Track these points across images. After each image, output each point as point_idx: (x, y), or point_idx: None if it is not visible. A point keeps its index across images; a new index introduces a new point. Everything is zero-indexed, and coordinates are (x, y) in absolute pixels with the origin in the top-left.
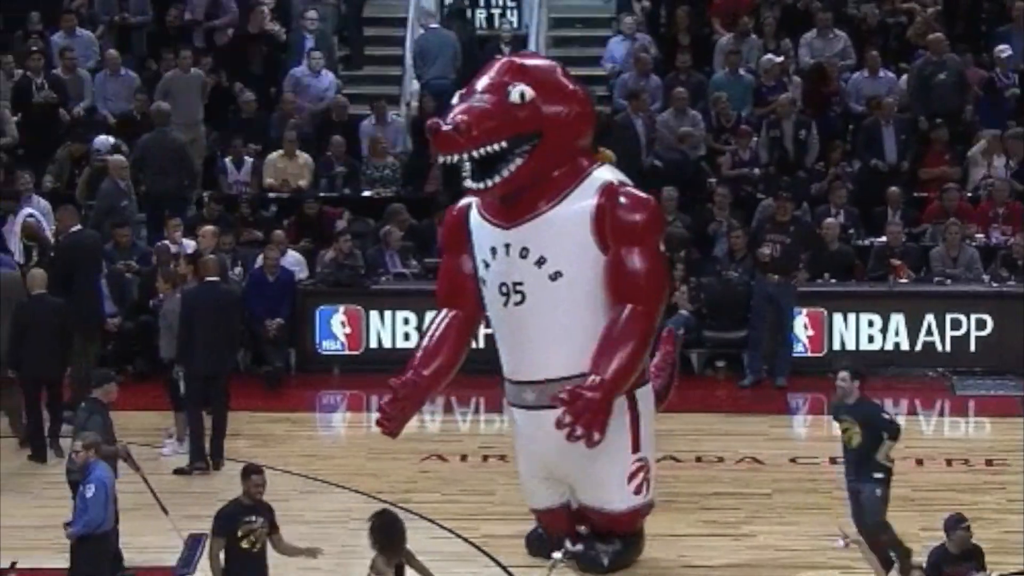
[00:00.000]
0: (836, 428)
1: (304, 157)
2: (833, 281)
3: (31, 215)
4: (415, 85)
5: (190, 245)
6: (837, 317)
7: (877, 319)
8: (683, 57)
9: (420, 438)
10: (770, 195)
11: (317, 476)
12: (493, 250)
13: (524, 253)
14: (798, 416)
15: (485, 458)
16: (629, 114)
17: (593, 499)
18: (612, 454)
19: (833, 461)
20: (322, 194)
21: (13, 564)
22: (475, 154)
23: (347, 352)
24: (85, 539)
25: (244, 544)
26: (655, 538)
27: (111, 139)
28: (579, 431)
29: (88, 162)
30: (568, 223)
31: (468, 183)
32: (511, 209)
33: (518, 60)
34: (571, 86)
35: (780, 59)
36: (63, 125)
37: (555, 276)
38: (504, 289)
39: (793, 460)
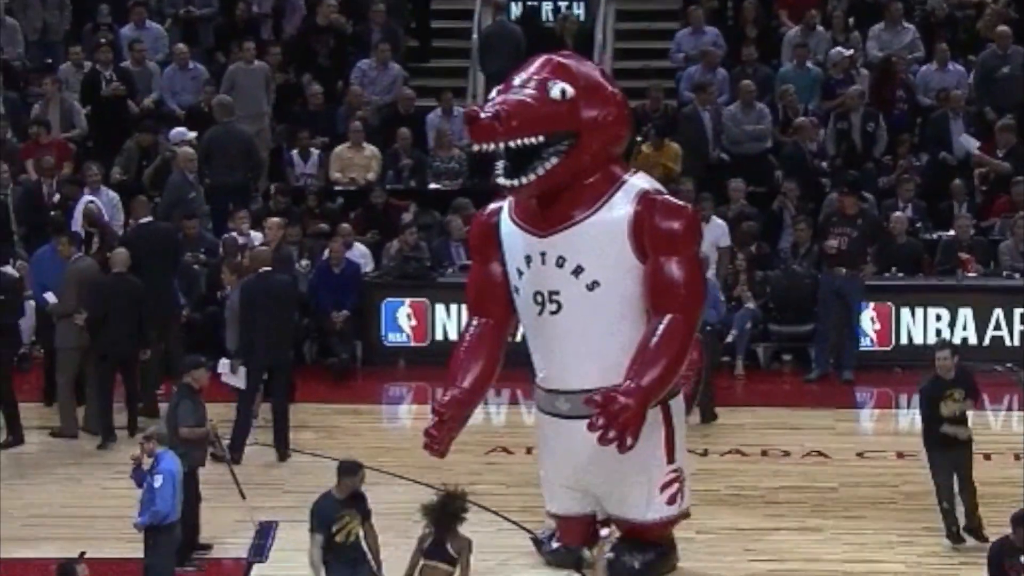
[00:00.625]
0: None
1: (371, 149)
2: (900, 275)
3: (92, 202)
4: (482, 77)
5: (257, 237)
6: (904, 311)
7: (945, 313)
8: (750, 50)
9: (486, 431)
10: (837, 189)
11: (382, 468)
12: (528, 258)
13: (560, 262)
14: (865, 410)
15: None
16: (696, 107)
17: (625, 510)
18: (647, 465)
19: (900, 456)
20: (388, 186)
21: (82, 554)
22: (512, 144)
23: (413, 344)
24: (153, 529)
25: (338, 538)
26: (720, 532)
27: (188, 132)
28: (611, 434)
29: (157, 154)
30: (605, 232)
31: (500, 180)
32: (546, 217)
33: (559, 58)
34: (611, 88)
35: (849, 52)
36: (131, 118)
37: (592, 286)
38: (539, 298)
39: (860, 455)
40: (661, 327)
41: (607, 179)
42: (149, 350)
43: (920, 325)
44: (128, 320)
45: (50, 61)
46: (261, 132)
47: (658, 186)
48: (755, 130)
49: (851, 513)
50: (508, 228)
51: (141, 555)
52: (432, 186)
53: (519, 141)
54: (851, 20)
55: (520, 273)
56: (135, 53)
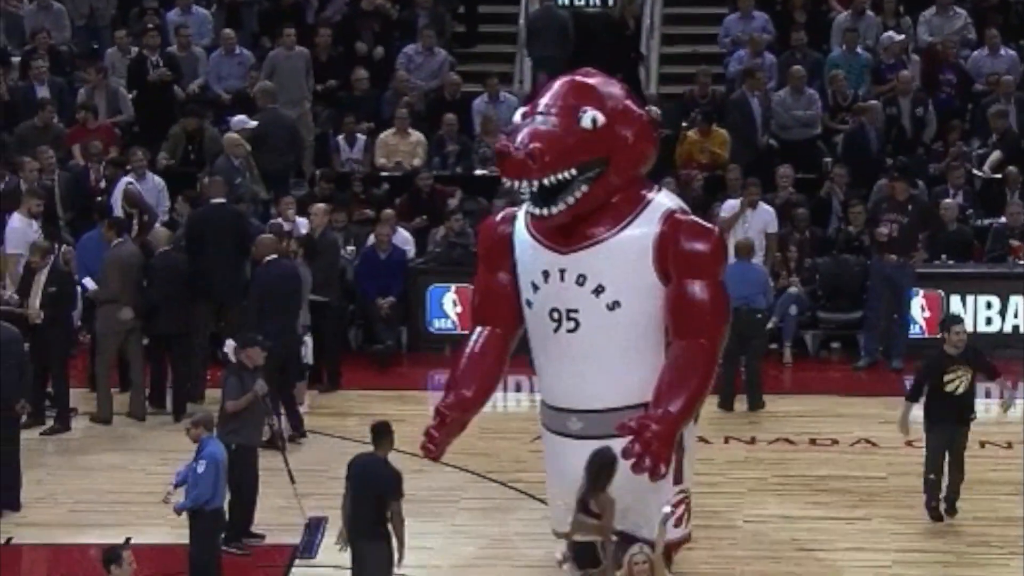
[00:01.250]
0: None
1: (416, 135)
2: (951, 262)
3: (131, 183)
4: (528, 63)
5: (302, 223)
6: (955, 299)
7: (995, 301)
8: (799, 35)
9: (531, 418)
10: (888, 174)
11: None
12: (546, 274)
13: (581, 280)
14: None
15: None
16: (745, 93)
17: (639, 529)
18: (656, 486)
19: None
20: (434, 172)
21: (127, 540)
22: (545, 182)
23: (458, 331)
24: (196, 514)
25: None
26: (767, 520)
27: (248, 120)
28: (647, 462)
29: (202, 139)
30: (629, 252)
31: (531, 209)
32: (568, 233)
33: (585, 80)
34: (637, 111)
35: (901, 37)
36: (177, 103)
37: (613, 306)
38: (556, 315)
39: (909, 443)
40: (688, 352)
41: (632, 198)
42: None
43: (970, 312)
44: (176, 298)
45: (96, 46)
46: (303, 117)
47: (683, 205)
48: (804, 116)
49: (900, 502)
50: (524, 239)
51: (186, 541)
52: (478, 172)
53: (551, 178)
54: (901, 6)
55: (535, 287)
56: (181, 38)
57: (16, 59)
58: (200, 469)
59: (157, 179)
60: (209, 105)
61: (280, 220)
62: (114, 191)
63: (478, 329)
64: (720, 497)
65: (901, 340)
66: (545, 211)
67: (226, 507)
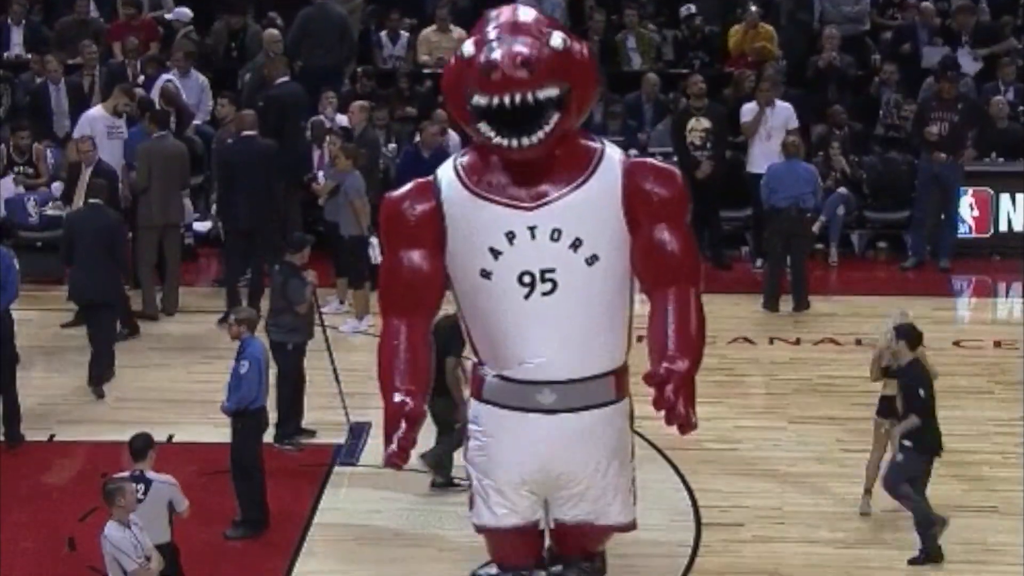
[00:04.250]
0: (1001, 311)
1: (458, 32)
2: (1000, 160)
3: (169, 80)
4: None
5: (343, 120)
6: (1004, 197)
7: None
8: None
9: None
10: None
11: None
12: (511, 235)
13: (556, 235)
14: (962, 298)
15: None
16: None
17: (597, 513)
18: (623, 461)
19: (997, 345)
20: None
21: (170, 438)
22: (539, 96)
23: None
24: (240, 414)
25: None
26: (812, 421)
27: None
28: (681, 411)
29: (246, 35)
30: (601, 200)
31: (499, 141)
32: (530, 188)
33: (532, 9)
34: (583, 42)
35: None
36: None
37: (591, 260)
38: (527, 278)
39: (956, 343)
40: (679, 299)
41: (584, 148)
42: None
43: (1020, 212)
44: (256, 185)
45: None
46: (353, 13)
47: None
48: (853, 11)
49: (947, 403)
50: (467, 204)
51: (228, 440)
52: None
53: (541, 94)
54: None
55: (496, 253)
56: None
57: None
58: (243, 370)
59: (201, 77)
60: (251, 1)
61: (322, 117)
62: (152, 88)
63: (397, 324)
64: (765, 398)
65: (949, 239)
66: (524, 140)
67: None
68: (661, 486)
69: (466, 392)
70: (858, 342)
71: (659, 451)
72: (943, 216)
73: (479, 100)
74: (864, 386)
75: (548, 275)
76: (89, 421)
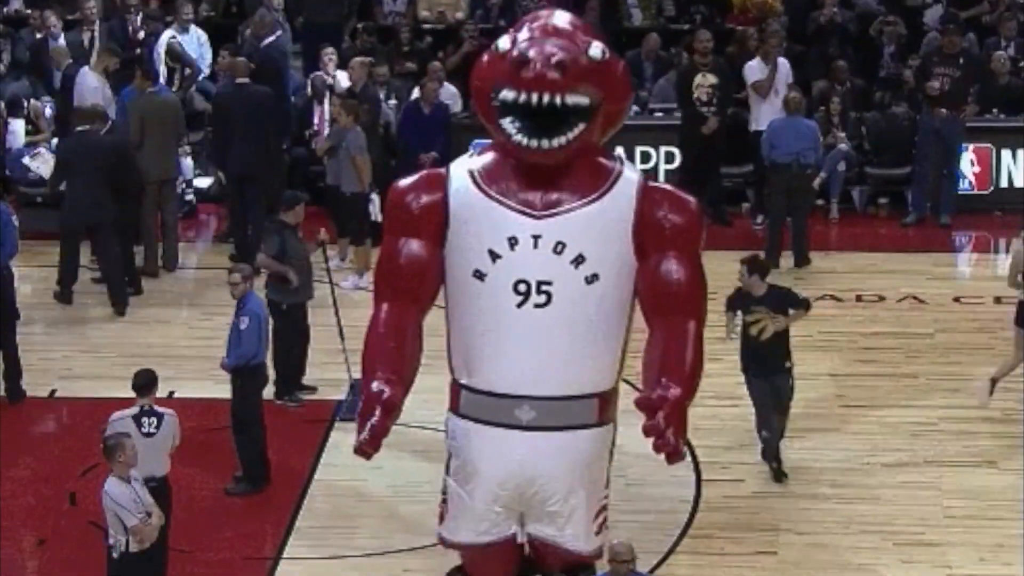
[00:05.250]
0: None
1: None
2: (1002, 116)
3: (173, 37)
4: None
5: (342, 76)
6: (1005, 153)
7: None
8: None
9: None
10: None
11: None
12: (513, 240)
13: (559, 248)
14: (962, 254)
15: None
16: None
17: (562, 535)
18: (595, 486)
19: (998, 300)
20: (479, 25)
21: (171, 394)
22: (567, 100)
23: None
24: (240, 370)
25: None
26: (813, 377)
27: None
28: (671, 440)
29: None
30: (611, 221)
31: (520, 139)
32: (542, 196)
33: (570, 15)
34: (619, 57)
35: None
36: None
37: (592, 279)
38: (522, 287)
39: (956, 299)
40: (680, 331)
41: (606, 166)
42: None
43: (1021, 168)
44: (252, 133)
45: None
46: None
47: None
48: None
49: (947, 359)
50: (475, 201)
51: (229, 396)
52: None
53: (571, 99)
54: None
55: (495, 256)
56: None
57: None
58: (243, 326)
59: (200, 32)
60: None
61: (322, 73)
62: (156, 45)
63: (388, 309)
64: None
65: (950, 195)
66: (545, 143)
67: (269, 362)
68: None
69: None
70: (858, 298)
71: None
72: (944, 172)
73: (507, 94)
74: (865, 341)
75: (544, 287)
76: (90, 377)
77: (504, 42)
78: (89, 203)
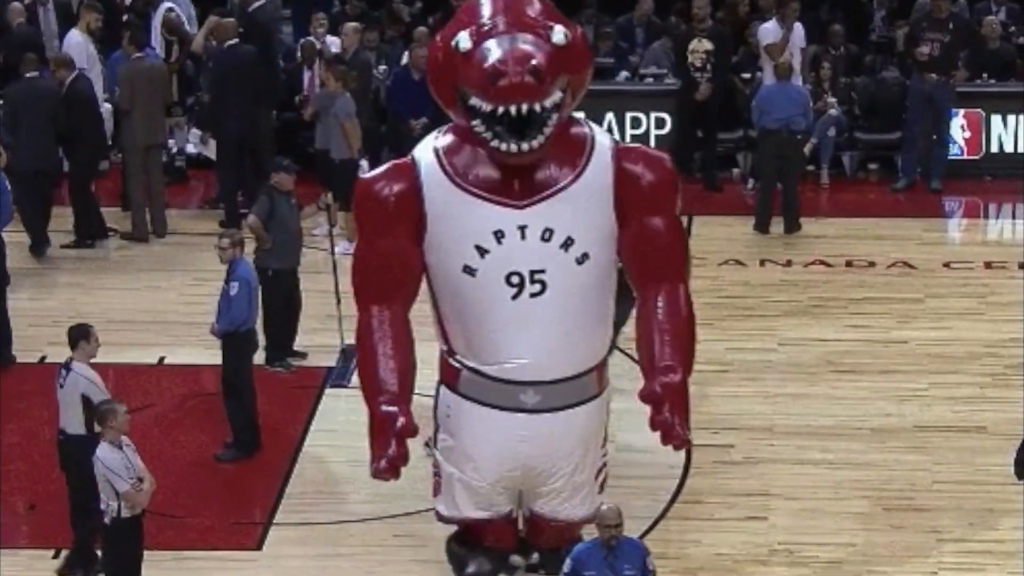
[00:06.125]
0: (991, 232)
1: None
2: (992, 81)
3: (170, 9)
4: None
5: (333, 42)
6: (995, 118)
7: None
8: None
9: None
10: None
11: None
12: (499, 234)
13: (547, 235)
14: (952, 220)
15: None
16: None
17: (563, 508)
18: (596, 450)
19: (988, 266)
20: None
21: (161, 359)
22: (545, 104)
23: None
24: (230, 336)
25: None
26: (803, 343)
27: None
28: (678, 430)
29: None
30: (593, 195)
31: (498, 145)
32: (521, 184)
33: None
34: (577, 27)
35: None
36: None
37: (582, 259)
38: (515, 279)
39: (946, 264)
40: (672, 299)
41: (579, 138)
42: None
43: (1011, 133)
44: (245, 92)
45: None
46: None
47: (616, 137)
48: None
49: (937, 324)
50: (449, 198)
51: (219, 360)
52: None
53: (548, 101)
54: None
55: (483, 252)
56: None
57: None
58: (232, 291)
59: (189, 4)
60: None
61: (312, 38)
62: (154, 16)
63: (377, 313)
64: (755, 320)
65: (940, 161)
66: (524, 145)
67: (259, 328)
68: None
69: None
70: (848, 263)
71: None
72: (934, 137)
73: (480, 104)
74: (855, 307)
75: (538, 276)
76: None
77: (464, 40)
78: (33, 149)
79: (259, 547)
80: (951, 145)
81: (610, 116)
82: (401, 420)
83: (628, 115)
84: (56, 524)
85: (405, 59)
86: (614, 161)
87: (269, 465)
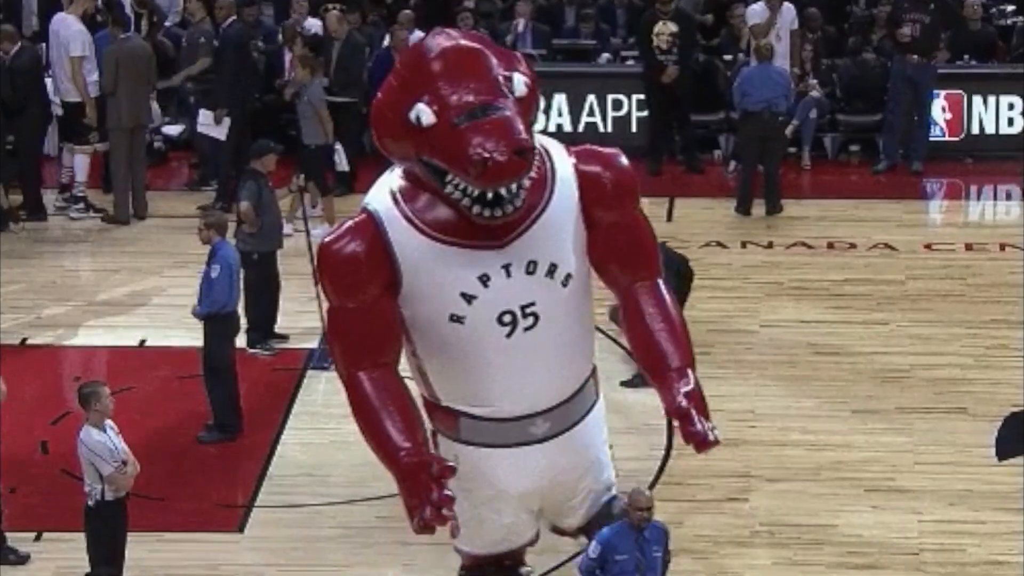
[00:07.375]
0: (972, 214)
1: None
2: (973, 62)
3: None
4: None
5: (314, 24)
6: (976, 100)
7: (1018, 102)
8: None
9: None
10: None
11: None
12: (485, 278)
13: (532, 268)
14: (934, 201)
15: None
16: None
17: (581, 514)
18: (604, 453)
19: (968, 247)
20: None
21: (142, 342)
22: (528, 176)
23: None
24: (211, 318)
25: None
26: (784, 324)
27: None
28: (711, 437)
29: None
30: (565, 213)
31: (476, 210)
32: (495, 224)
33: (474, 43)
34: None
35: None
36: None
37: (567, 280)
38: (507, 318)
39: (928, 246)
40: (657, 297)
41: (540, 158)
42: None
43: (992, 114)
44: (247, 65)
45: None
46: None
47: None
48: None
49: (918, 306)
50: (424, 252)
51: (200, 343)
52: None
53: (533, 170)
54: None
55: (470, 299)
56: None
57: None
58: (214, 274)
59: None
60: None
61: (292, 20)
62: None
63: (365, 380)
64: (737, 302)
65: (922, 142)
66: (499, 211)
67: (241, 310)
68: (633, 390)
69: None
70: (830, 245)
71: (631, 354)
72: (915, 119)
73: (457, 179)
74: (836, 289)
75: (529, 309)
76: (61, 325)
77: (426, 115)
78: None
79: (241, 529)
80: (932, 127)
81: (592, 98)
82: (435, 465)
83: (610, 97)
84: (36, 508)
85: (387, 41)
86: (574, 170)
87: (251, 447)
